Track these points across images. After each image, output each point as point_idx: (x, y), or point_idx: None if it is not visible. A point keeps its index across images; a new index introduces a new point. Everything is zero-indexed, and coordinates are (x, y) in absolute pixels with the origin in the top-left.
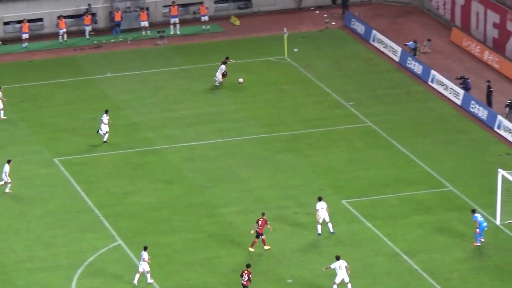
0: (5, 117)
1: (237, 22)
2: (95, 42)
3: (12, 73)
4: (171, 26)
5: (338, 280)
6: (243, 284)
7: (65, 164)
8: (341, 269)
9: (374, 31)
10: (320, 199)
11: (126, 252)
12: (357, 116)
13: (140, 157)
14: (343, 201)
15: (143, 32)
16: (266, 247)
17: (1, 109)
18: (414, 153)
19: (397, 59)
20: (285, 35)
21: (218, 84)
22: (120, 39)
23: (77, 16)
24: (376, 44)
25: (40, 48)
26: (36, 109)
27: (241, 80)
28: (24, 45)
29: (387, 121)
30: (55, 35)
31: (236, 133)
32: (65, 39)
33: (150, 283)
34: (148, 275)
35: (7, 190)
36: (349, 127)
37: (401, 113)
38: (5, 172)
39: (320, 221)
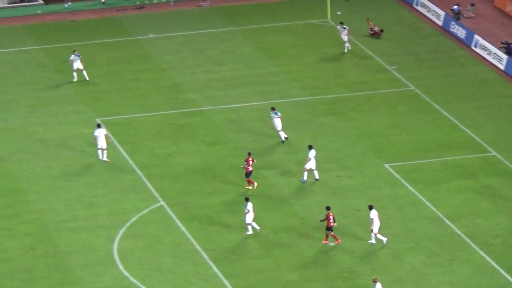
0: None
1: None
2: (138, 2)
3: (55, 33)
4: None
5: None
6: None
7: (108, 125)
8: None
9: None
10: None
11: (168, 213)
12: (400, 80)
13: (183, 118)
14: (386, 165)
15: None
16: (249, 187)
17: (82, 70)
18: (457, 117)
19: (440, 23)
20: None
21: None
22: (163, 0)
23: None
24: (419, 8)
25: (83, 8)
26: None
27: None
28: (66, 5)
29: (430, 85)
30: None
31: (278, 95)
32: None
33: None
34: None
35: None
36: (392, 91)
37: (444, 77)
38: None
39: (308, 168)
